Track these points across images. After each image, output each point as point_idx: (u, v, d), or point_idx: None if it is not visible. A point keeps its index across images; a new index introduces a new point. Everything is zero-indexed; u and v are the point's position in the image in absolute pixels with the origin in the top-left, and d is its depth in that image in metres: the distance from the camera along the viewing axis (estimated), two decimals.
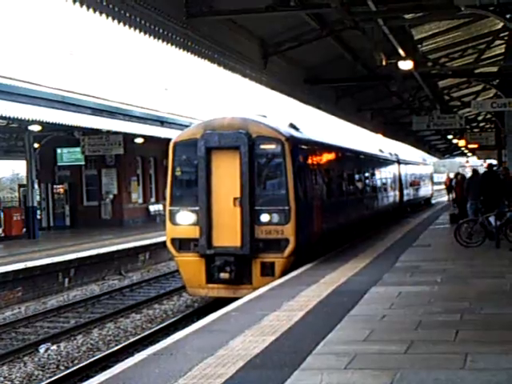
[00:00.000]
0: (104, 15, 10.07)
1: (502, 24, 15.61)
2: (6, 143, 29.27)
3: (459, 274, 11.46)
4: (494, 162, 32.91)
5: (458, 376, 5.59)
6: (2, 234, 25.05)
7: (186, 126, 20.69)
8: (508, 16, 13.09)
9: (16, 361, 11.05)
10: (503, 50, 21.18)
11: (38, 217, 26.67)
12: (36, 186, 26.07)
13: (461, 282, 10.60)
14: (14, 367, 10.71)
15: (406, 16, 14.77)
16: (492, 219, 15.40)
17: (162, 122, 28.61)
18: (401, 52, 16.25)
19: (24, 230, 24.78)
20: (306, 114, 28.92)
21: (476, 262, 12.86)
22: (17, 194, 34.53)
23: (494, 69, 22.77)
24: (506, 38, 19.00)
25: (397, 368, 5.85)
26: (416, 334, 7.16)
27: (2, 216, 25.65)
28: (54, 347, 11.77)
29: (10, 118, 19.69)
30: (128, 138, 26.91)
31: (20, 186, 32.95)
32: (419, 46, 18.58)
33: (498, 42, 19.57)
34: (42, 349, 11.64)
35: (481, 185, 17.56)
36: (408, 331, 7.26)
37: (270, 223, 13.18)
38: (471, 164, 61.53)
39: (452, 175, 38.51)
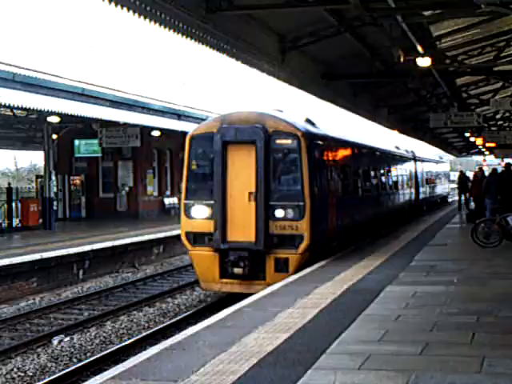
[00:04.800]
0: (125, 9, 10.11)
1: None
2: (25, 134, 29.45)
3: (476, 274, 11.35)
4: None
5: (475, 380, 5.51)
6: (19, 225, 25.19)
7: (203, 120, 20.71)
8: None
9: (29, 352, 11.08)
10: None
11: (55, 208, 26.80)
12: (53, 177, 26.19)
13: (478, 282, 10.48)
14: (28, 358, 10.73)
15: (425, 13, 14.62)
16: (510, 219, 15.22)
17: (179, 116, 28.63)
18: (419, 49, 16.10)
19: (40, 220, 24.91)
20: (322, 109, 28.81)
21: (493, 263, 12.70)
22: (34, 184, 34.70)
23: None
24: None
25: (412, 369, 5.79)
26: (431, 335, 7.08)
27: (20, 206, 25.79)
28: (68, 339, 11.80)
29: (29, 109, 19.79)
30: (145, 130, 26.96)
31: (37, 176, 33.12)
32: (438, 42, 18.38)
33: None
34: (55, 340, 11.67)
35: (498, 184, 17.40)
36: (423, 332, 7.18)
37: (284, 219, 13.13)
38: (488, 163, 60.99)
39: (470, 173, 38.05)
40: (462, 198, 31.18)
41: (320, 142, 14.67)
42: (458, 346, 6.60)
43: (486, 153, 55.61)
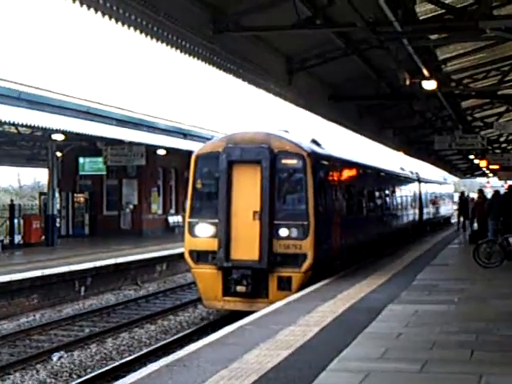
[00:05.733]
0: (132, 28, 10.23)
1: None
2: (30, 151, 29.54)
3: (476, 294, 11.44)
4: None
5: None
6: (21, 241, 25.16)
7: (209, 139, 20.79)
8: None
9: (29, 368, 10.98)
10: None
11: (58, 225, 26.80)
12: (57, 195, 26.23)
13: (478, 302, 10.57)
14: (27, 374, 10.65)
15: (431, 36, 14.76)
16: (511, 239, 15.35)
17: (184, 135, 28.74)
18: (425, 72, 16.22)
19: (43, 237, 24.90)
20: (329, 129, 28.90)
21: (494, 283, 12.81)
22: (37, 201, 34.73)
23: None
24: None
25: None
26: (431, 353, 7.11)
27: (22, 223, 25.78)
28: (68, 355, 11.74)
29: (34, 126, 19.86)
30: (150, 149, 27.06)
31: (41, 193, 33.19)
32: (443, 66, 18.51)
33: None
34: (55, 357, 11.59)
35: (500, 205, 17.56)
36: (423, 350, 7.21)
37: (288, 238, 13.17)
38: (492, 185, 61.07)
39: (474, 195, 38.06)
40: (462, 219, 31.28)
41: (325, 163, 14.75)
42: (457, 363, 6.65)
43: (490, 175, 55.71)
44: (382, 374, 6.24)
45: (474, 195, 31.96)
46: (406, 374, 6.29)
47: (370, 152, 28.67)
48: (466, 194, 35.76)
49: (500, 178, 45.11)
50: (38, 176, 59.12)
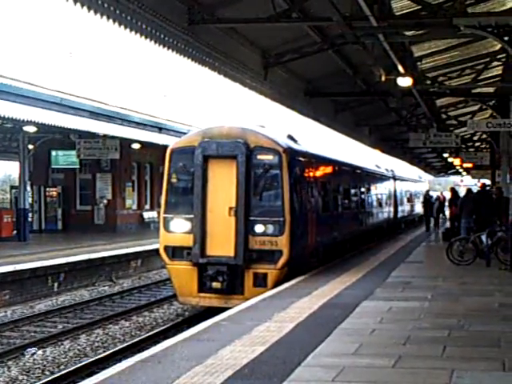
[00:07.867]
0: (105, 17, 10.08)
1: (499, 46, 15.71)
2: (0, 143, 28.99)
3: (449, 291, 11.56)
4: (488, 181, 33.09)
5: None
6: None
7: (184, 133, 20.65)
8: (506, 38, 13.20)
9: (0, 365, 10.80)
10: (500, 72, 21.33)
11: (30, 219, 26.44)
12: (28, 188, 25.83)
13: (450, 298, 10.68)
14: None
15: (407, 33, 14.85)
16: (484, 238, 15.53)
17: (160, 129, 28.52)
18: (400, 68, 16.33)
19: (14, 232, 24.54)
20: (306, 126, 28.88)
21: (466, 280, 12.95)
22: (8, 195, 34.19)
23: (491, 89, 22.91)
24: (503, 59, 19.11)
25: (384, 382, 5.90)
26: (404, 348, 7.19)
27: None
28: (40, 352, 11.60)
29: (4, 117, 19.42)
30: (125, 143, 26.80)
31: (12, 187, 32.68)
32: (418, 63, 18.67)
33: (495, 63, 19.73)
34: (27, 353, 11.44)
35: (473, 204, 17.78)
36: (396, 346, 7.28)
37: (264, 234, 13.15)
38: (465, 183, 61.82)
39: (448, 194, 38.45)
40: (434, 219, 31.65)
41: (301, 159, 14.74)
42: (429, 358, 6.72)
43: (464, 173, 56.33)
44: (355, 370, 6.29)
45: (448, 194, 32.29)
46: (380, 369, 6.34)
47: (346, 149, 28.74)
48: (431, 192, 36.33)
49: (473, 177, 45.62)
50: (8, 169, 58.20)
